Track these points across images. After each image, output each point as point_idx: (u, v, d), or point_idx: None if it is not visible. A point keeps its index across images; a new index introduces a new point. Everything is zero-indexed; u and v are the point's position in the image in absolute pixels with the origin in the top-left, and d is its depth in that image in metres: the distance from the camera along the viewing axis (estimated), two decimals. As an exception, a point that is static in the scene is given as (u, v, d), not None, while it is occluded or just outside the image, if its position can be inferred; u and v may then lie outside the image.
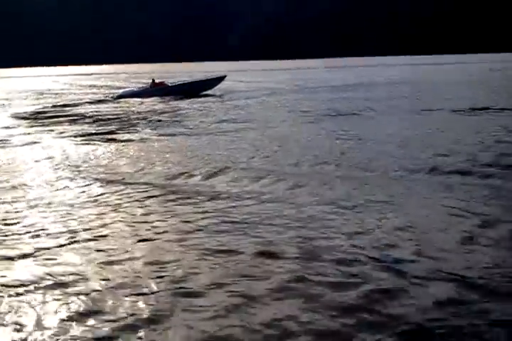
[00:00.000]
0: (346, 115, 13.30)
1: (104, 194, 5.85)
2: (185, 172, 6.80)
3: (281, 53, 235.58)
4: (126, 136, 10.77)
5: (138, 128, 12.13)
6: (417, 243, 4.01)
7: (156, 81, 23.35)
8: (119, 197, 5.71)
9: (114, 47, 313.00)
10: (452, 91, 20.42)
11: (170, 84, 23.65)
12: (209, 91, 23.23)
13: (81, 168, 7.40)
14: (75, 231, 4.56)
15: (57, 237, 4.42)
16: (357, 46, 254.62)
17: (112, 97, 22.85)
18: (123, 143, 9.83)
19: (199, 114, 14.87)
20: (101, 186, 6.22)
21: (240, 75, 42.70)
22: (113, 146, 9.51)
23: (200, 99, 20.55)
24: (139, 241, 4.30)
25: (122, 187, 6.13)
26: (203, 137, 10.31)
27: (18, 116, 15.96)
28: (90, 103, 20.81)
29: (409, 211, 4.90)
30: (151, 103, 19.74)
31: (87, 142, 10.15)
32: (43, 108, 18.73)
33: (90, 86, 36.21)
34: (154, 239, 4.33)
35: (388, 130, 10.40)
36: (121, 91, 24.23)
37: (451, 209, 4.87)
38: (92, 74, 74.20)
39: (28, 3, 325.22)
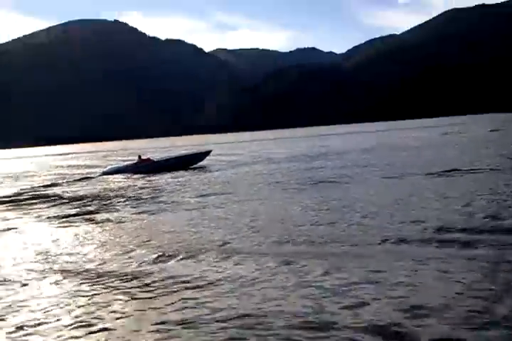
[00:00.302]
0: (323, 183, 13.50)
1: (80, 286, 5.59)
2: (162, 256, 6.58)
3: (249, 126, 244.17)
4: (105, 216, 10.58)
5: (117, 207, 11.98)
6: (423, 321, 3.90)
7: (142, 157, 23.58)
8: (94, 289, 5.44)
9: (91, 125, 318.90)
10: (419, 155, 21.12)
11: (156, 160, 23.82)
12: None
13: (56, 257, 7.08)
14: (60, 330, 4.31)
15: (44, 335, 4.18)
16: (323, 116, 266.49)
17: (97, 175, 22.80)
18: (100, 225, 9.61)
19: (179, 189, 14.83)
20: (76, 278, 5.89)
21: (215, 148, 43.48)
22: (90, 229, 9.27)
23: (180, 173, 20.65)
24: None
25: (98, 278, 5.81)
26: (182, 213, 10.21)
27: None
28: (72, 182, 20.70)
29: (409, 287, 4.78)
30: (134, 179, 19.72)
31: (64, 225, 9.89)
32: (20, 191, 18.47)
33: (69, 166, 35.97)
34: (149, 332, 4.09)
35: (368, 197, 10.51)
36: (107, 168, 24.31)
37: (442, 283, 4.78)
38: (68, 153, 74.58)
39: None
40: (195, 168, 22.66)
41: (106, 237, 8.33)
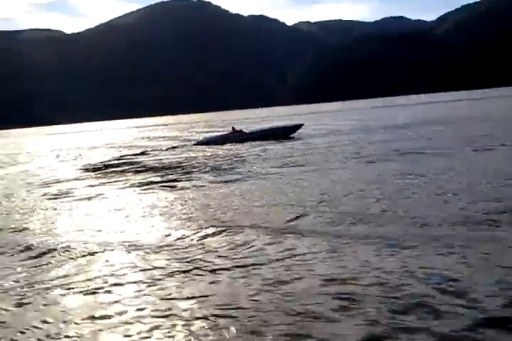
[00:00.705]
0: (409, 154, 12.84)
1: (150, 257, 5.56)
2: (229, 229, 6.39)
3: (332, 95, 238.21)
4: (184, 184, 10.85)
5: (197, 176, 12.27)
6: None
7: (236, 128, 24.03)
8: (161, 259, 5.43)
9: (174, 98, 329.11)
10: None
11: (247, 131, 24.17)
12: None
13: (129, 227, 7.12)
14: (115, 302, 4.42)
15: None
16: (403, 86, 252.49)
17: (191, 144, 23.81)
18: (177, 193, 9.87)
19: (260, 160, 14.86)
20: (150, 249, 5.84)
21: (299, 119, 43.09)
22: (167, 196, 9.52)
23: (264, 144, 20.75)
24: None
25: (167, 250, 5.75)
26: (257, 184, 10.14)
27: (87, 168, 16.73)
28: (165, 150, 21.68)
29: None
30: (223, 149, 20.05)
31: (146, 192, 10.32)
32: (112, 159, 19.58)
33: (163, 137, 36.64)
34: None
35: (450, 171, 9.83)
36: (201, 138, 25.37)
37: None
38: (156, 125, 77.73)
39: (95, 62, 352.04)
40: (280, 140, 22.17)
41: (180, 207, 8.33)
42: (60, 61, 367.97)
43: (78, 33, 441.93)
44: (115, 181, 12.53)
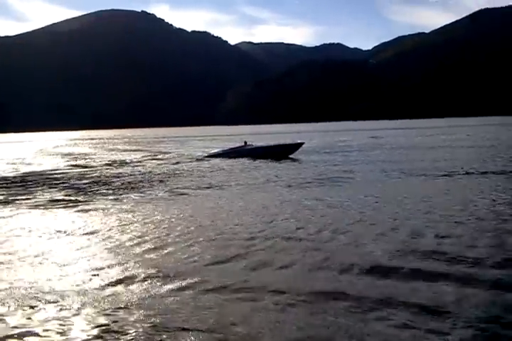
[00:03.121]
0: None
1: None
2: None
3: (269, 119, 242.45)
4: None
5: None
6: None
7: (248, 143, 24.39)
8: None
9: (113, 112, 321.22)
10: (442, 155, 20.67)
11: (248, 147, 24.13)
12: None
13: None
14: None
15: None
16: (344, 112, 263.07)
17: (201, 157, 24.26)
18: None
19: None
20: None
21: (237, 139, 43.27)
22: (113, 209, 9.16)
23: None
24: None
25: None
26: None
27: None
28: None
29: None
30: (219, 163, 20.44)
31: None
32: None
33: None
34: None
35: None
36: (212, 151, 25.77)
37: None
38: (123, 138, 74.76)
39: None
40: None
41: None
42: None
43: (10, 37, 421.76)
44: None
